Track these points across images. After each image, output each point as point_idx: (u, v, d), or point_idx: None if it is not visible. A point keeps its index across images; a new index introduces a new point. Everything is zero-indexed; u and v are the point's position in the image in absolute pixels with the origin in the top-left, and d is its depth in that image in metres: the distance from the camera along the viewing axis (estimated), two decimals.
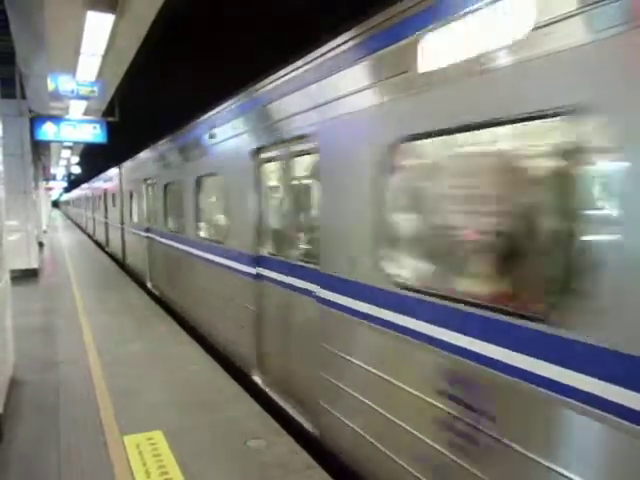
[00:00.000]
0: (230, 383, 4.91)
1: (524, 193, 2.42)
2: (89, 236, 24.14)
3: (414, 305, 2.85)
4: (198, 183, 6.75)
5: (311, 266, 3.98)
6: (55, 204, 60.31)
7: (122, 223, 13.45)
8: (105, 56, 6.61)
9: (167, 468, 3.31)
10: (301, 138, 4.05)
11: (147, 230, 10.27)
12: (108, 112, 10.55)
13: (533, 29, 2.10)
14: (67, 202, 57.41)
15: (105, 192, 17.32)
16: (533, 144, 2.39)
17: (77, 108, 10.01)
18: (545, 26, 2.05)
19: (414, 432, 2.84)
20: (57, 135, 10.06)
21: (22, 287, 9.50)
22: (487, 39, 2.33)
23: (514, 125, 2.30)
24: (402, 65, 2.83)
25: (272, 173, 4.90)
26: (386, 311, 3.05)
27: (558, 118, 2.07)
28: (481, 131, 2.48)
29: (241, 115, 5.23)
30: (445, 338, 2.62)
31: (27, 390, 4.78)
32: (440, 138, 2.72)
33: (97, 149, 16.65)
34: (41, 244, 15.88)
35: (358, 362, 3.33)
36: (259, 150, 4.87)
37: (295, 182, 4.51)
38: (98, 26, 5.46)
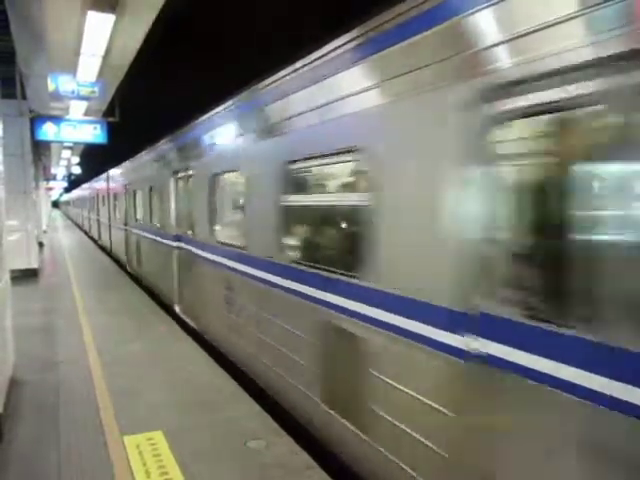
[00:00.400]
0: (229, 383, 4.91)
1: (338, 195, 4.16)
2: (93, 240, 22.64)
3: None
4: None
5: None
6: (55, 204, 60.39)
7: (126, 225, 12.61)
8: (105, 56, 6.61)
9: (167, 468, 3.31)
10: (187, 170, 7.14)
11: (178, 239, 7.97)
12: (108, 112, 10.56)
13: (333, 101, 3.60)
14: (67, 202, 57.49)
15: (112, 191, 15.87)
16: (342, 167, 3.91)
17: (77, 108, 10.02)
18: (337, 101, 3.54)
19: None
20: (57, 135, 10.07)
21: (22, 287, 9.50)
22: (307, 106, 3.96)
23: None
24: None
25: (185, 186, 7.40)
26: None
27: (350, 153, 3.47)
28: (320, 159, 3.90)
29: (166, 153, 8.01)
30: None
31: (27, 390, 4.79)
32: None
33: (97, 149, 16.64)
34: (41, 244, 15.88)
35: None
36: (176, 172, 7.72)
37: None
38: (98, 26, 5.45)
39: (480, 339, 2.48)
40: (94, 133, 10.11)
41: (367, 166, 3.32)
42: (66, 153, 19.76)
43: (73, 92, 8.65)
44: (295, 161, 4.21)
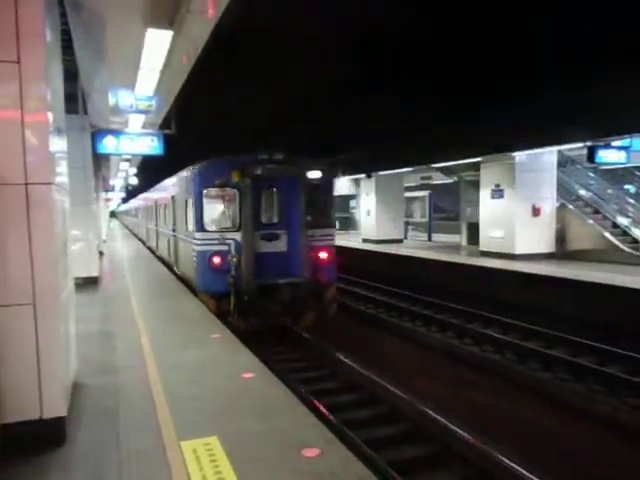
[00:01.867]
0: (284, 392, 4.92)
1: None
2: (147, 247, 23.52)
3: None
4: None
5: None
6: (112, 214, 62.67)
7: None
8: (163, 71, 6.84)
9: (223, 474, 3.34)
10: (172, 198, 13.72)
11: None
12: (165, 125, 10.90)
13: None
14: (123, 212, 59.91)
15: (160, 201, 17.33)
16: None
17: (136, 122, 10.40)
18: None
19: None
20: (117, 148, 10.46)
21: (83, 294, 9.88)
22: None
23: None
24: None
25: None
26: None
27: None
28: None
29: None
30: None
31: (88, 394, 4.94)
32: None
33: (153, 161, 17.27)
34: (101, 253, 16.45)
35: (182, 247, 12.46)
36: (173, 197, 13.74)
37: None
38: (157, 42, 5.66)
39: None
40: (151, 145, 10.45)
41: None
42: (124, 165, 20.48)
43: (131, 106, 8.97)
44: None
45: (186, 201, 10.96)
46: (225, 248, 9.79)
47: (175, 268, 13.72)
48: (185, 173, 11.32)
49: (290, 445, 3.77)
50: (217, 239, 9.84)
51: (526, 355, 9.27)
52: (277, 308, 9.74)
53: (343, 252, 21.12)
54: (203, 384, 5.11)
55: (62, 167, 4.67)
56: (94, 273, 11.93)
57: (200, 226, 9.91)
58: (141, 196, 28.99)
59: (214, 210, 10.08)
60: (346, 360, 8.23)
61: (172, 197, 13.52)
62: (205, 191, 9.88)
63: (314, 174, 10.05)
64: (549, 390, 7.72)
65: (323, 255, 10.37)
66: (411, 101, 9.50)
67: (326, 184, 10.69)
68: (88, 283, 11.36)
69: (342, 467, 3.45)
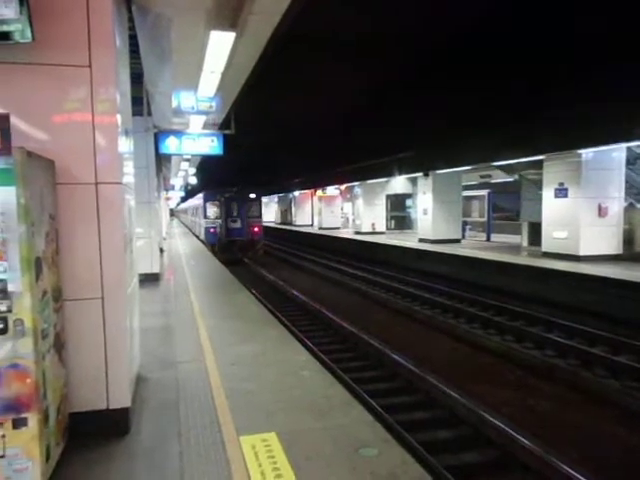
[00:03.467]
0: (341, 391, 4.92)
1: None
2: (193, 233, 37.00)
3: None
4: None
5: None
6: (171, 213, 65.09)
7: None
8: (224, 72, 6.96)
9: (281, 470, 3.37)
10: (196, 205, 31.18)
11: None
12: (224, 125, 11.13)
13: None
14: (182, 210, 64.61)
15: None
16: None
17: (196, 122, 10.67)
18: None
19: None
20: (179, 149, 10.79)
21: (145, 290, 10.23)
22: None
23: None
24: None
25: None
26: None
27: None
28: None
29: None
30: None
31: (150, 387, 5.11)
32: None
33: (211, 160, 17.94)
34: (162, 250, 16.98)
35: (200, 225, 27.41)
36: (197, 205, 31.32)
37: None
38: (219, 44, 5.77)
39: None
40: (211, 145, 10.71)
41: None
42: (184, 165, 21.07)
43: (193, 107, 9.20)
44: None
45: (202, 206, 24.84)
46: (216, 225, 23.85)
47: (199, 235, 28.38)
48: (201, 194, 26.98)
49: (348, 443, 3.76)
50: (212, 222, 24.02)
51: None
52: (235, 250, 23.24)
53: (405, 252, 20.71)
54: (259, 379, 5.18)
55: (129, 167, 4.84)
56: (155, 269, 12.33)
57: (205, 217, 24.38)
58: (189, 202, 47.69)
59: (211, 210, 24.22)
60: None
61: (196, 204, 31.07)
62: (208, 203, 24.34)
63: (251, 195, 24.46)
64: None
65: (255, 229, 24.12)
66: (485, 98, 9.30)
67: (257, 199, 24.69)
68: (150, 279, 11.76)
69: (401, 468, 3.41)
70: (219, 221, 23.56)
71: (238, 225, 23.66)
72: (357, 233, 28.59)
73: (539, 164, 15.82)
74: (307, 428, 4.05)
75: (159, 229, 15.64)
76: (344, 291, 16.08)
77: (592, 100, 8.88)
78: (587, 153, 14.11)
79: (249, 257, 23.19)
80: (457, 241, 21.56)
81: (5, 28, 3.35)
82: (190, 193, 48.72)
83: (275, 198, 49.31)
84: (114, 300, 4.04)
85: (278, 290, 15.70)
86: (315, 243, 30.83)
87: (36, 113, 3.82)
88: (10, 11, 3.29)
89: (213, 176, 35.94)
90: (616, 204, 14.64)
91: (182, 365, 5.74)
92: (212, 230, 23.58)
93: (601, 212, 14.40)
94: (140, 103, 11.14)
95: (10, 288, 3.02)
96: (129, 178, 4.82)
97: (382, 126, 18.71)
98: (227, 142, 10.78)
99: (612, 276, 11.71)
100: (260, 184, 31.57)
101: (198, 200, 28.74)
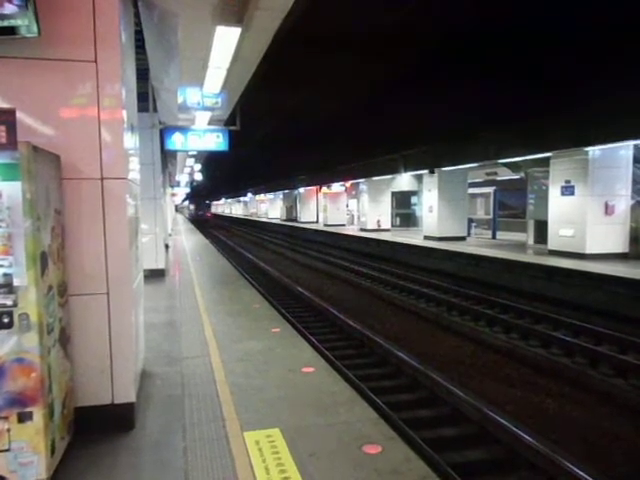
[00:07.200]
0: (345, 387, 4.92)
1: None
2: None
3: None
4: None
5: None
6: (176, 209, 68.30)
7: None
8: (230, 68, 6.96)
9: (285, 466, 3.37)
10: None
11: None
12: (230, 121, 11.13)
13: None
14: (186, 207, 75.60)
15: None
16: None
17: (202, 119, 10.67)
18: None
19: None
20: (184, 145, 10.80)
21: (150, 286, 10.25)
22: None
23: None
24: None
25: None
26: None
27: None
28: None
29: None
30: None
31: (155, 382, 5.13)
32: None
33: (217, 157, 17.78)
34: (167, 246, 17.02)
35: None
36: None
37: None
38: (225, 39, 5.76)
39: None
40: (217, 141, 10.72)
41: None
42: (190, 161, 21.09)
43: (198, 103, 9.21)
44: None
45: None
46: None
47: None
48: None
49: (351, 440, 3.77)
50: None
51: None
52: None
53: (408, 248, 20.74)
54: (264, 376, 5.19)
55: (134, 163, 4.85)
56: (161, 265, 12.36)
57: None
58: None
59: None
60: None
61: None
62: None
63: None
64: None
65: (208, 215, 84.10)
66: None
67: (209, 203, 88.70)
68: (155, 275, 11.78)
69: (404, 465, 3.41)
70: None
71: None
72: (362, 230, 28.55)
73: (546, 161, 15.73)
74: (311, 424, 4.05)
75: (164, 225, 15.68)
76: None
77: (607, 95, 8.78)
78: (594, 151, 14.03)
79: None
80: (462, 239, 21.50)
81: (11, 22, 3.35)
82: (195, 189, 53.77)
83: (280, 195, 49.38)
84: (119, 295, 4.04)
85: (287, 288, 15.69)
86: (324, 240, 30.61)
87: (42, 108, 3.82)
88: (16, 6, 3.29)
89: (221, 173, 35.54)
90: (623, 202, 14.56)
91: (187, 360, 5.75)
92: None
93: (608, 210, 14.32)
94: (146, 99, 11.15)
95: (16, 282, 3.03)
96: (135, 174, 4.83)
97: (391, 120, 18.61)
98: (232, 138, 10.78)
99: (618, 274, 11.66)
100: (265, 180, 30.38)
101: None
